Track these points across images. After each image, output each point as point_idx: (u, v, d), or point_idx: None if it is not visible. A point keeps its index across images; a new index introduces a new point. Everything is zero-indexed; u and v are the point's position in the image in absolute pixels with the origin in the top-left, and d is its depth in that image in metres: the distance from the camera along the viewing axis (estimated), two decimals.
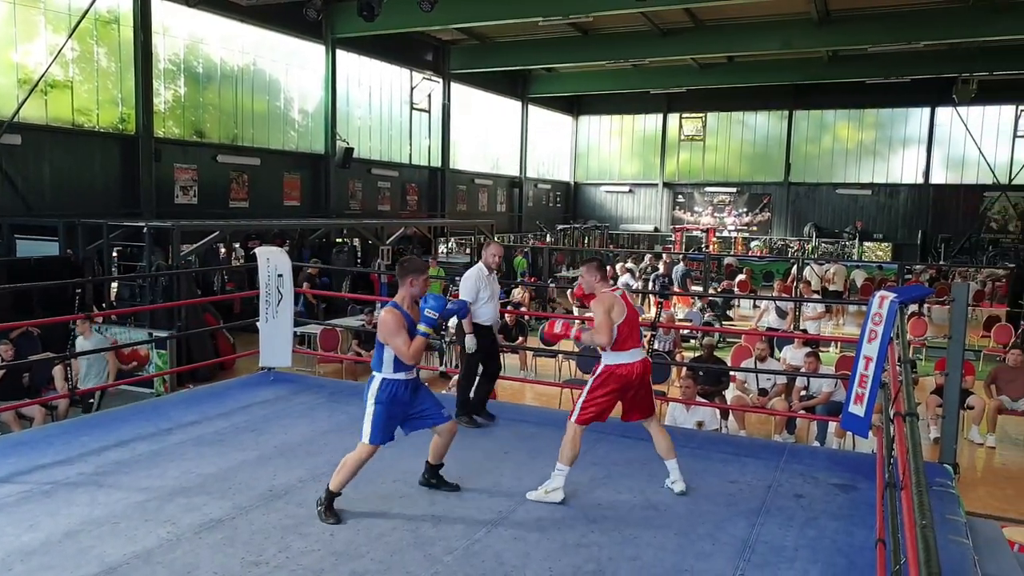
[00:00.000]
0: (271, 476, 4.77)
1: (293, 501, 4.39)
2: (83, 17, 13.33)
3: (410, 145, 23.44)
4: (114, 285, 12.94)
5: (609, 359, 4.56)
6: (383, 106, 22.28)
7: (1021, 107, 26.21)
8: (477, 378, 6.00)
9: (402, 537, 3.98)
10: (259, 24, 17.58)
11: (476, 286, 5.87)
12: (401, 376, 4.24)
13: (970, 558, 3.77)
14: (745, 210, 30.45)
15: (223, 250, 17.23)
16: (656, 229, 31.45)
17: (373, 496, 4.49)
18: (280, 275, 7.11)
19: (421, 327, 4.16)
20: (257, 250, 7.47)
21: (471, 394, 5.98)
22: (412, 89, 23.13)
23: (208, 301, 12.55)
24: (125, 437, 5.42)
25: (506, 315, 11.66)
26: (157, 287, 11.76)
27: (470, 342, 5.84)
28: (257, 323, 7.26)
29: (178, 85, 16.41)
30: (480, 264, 5.95)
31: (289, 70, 18.87)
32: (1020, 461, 8.80)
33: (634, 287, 16.70)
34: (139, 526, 4.01)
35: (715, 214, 30.86)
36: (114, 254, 13.43)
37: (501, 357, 6.65)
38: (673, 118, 31.28)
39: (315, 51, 19.28)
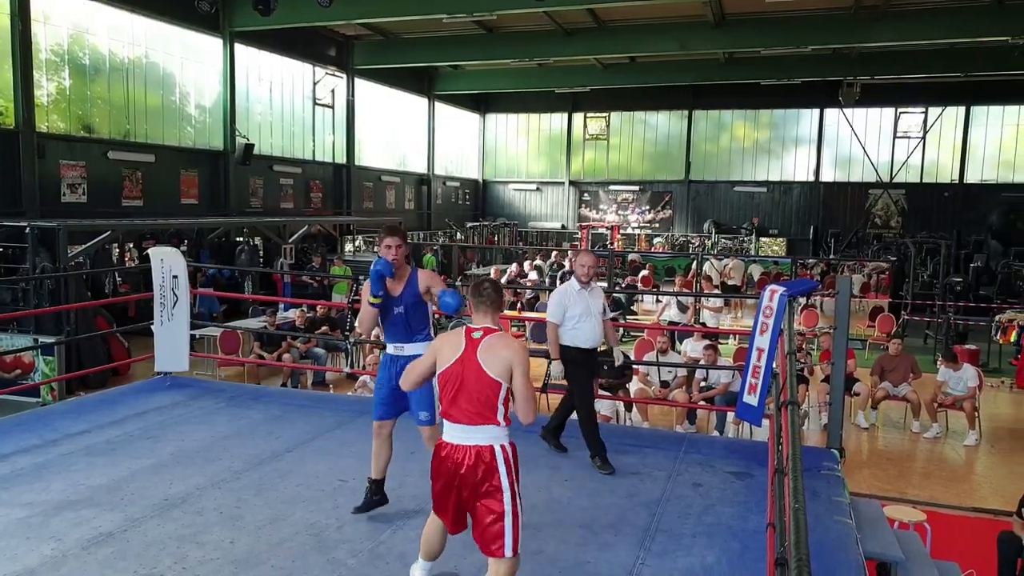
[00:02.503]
0: (167, 484, 4.60)
1: (191, 510, 4.25)
2: None
3: (313, 141, 22.98)
4: None
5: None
6: (284, 102, 21.75)
7: (900, 110, 27.83)
8: (589, 401, 5.26)
9: (305, 542, 3.91)
10: (150, 15, 16.86)
11: (562, 303, 5.18)
12: (389, 350, 4.32)
13: (853, 536, 3.98)
14: (648, 208, 31.20)
15: (117, 251, 16.48)
16: (563, 227, 31.88)
17: (275, 501, 4.40)
18: (175, 276, 6.86)
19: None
20: (150, 251, 7.19)
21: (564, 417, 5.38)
22: (315, 84, 22.68)
23: (99, 304, 11.98)
24: (5, 450, 5.12)
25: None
26: (43, 290, 11.15)
27: (555, 369, 5.21)
28: (152, 326, 6.99)
29: (62, 77, 15.58)
30: (573, 279, 5.24)
31: (184, 63, 18.18)
32: (900, 443, 9.35)
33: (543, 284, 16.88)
34: (20, 544, 3.80)
35: (619, 212, 31.50)
36: None
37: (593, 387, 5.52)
38: (578, 117, 31.76)
39: (212, 44, 18.65)
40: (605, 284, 14.78)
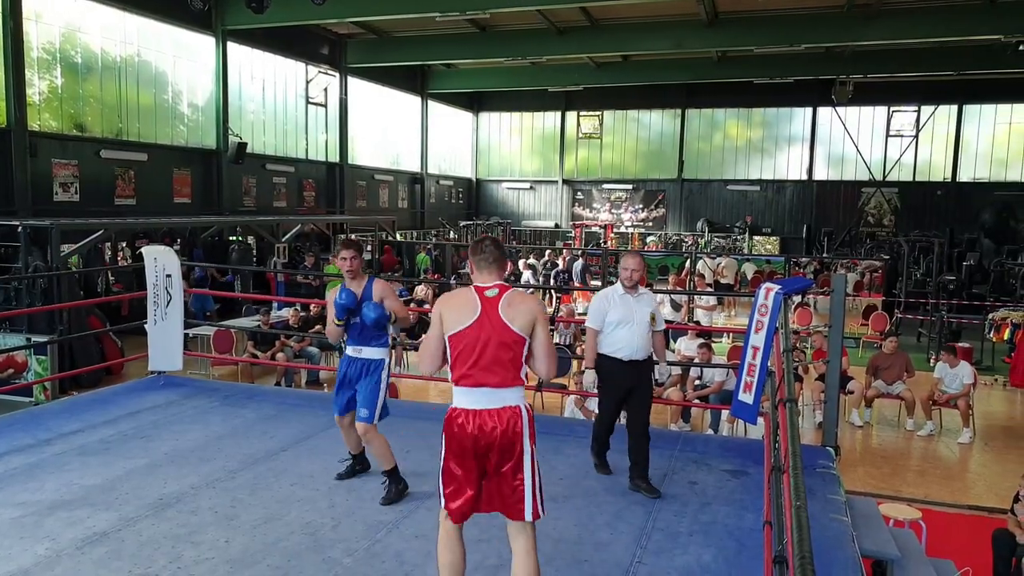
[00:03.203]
0: (161, 484, 4.58)
1: (185, 509, 4.23)
2: None
3: (306, 140, 22.91)
4: None
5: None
6: (277, 100, 21.68)
7: (893, 108, 27.91)
8: (605, 422, 4.89)
9: (300, 541, 3.89)
10: (142, 13, 16.78)
11: (602, 307, 4.77)
12: (348, 351, 4.59)
13: (849, 534, 3.99)
14: (641, 206, 31.22)
15: (109, 250, 16.40)
16: (556, 225, 31.88)
17: (270, 500, 4.38)
18: (169, 275, 6.84)
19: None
20: (144, 249, 7.16)
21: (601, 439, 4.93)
22: (308, 83, 22.60)
23: (92, 303, 11.92)
24: None
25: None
26: (35, 289, 11.09)
27: (587, 378, 4.99)
28: (145, 325, 6.96)
29: (54, 76, 15.49)
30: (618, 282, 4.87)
31: (177, 62, 18.10)
32: (895, 441, 9.38)
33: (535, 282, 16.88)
34: (14, 544, 3.77)
35: (612, 210, 31.51)
36: None
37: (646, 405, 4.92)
38: (571, 116, 31.74)
39: (204, 43, 18.56)
40: (669, 297, 14.70)
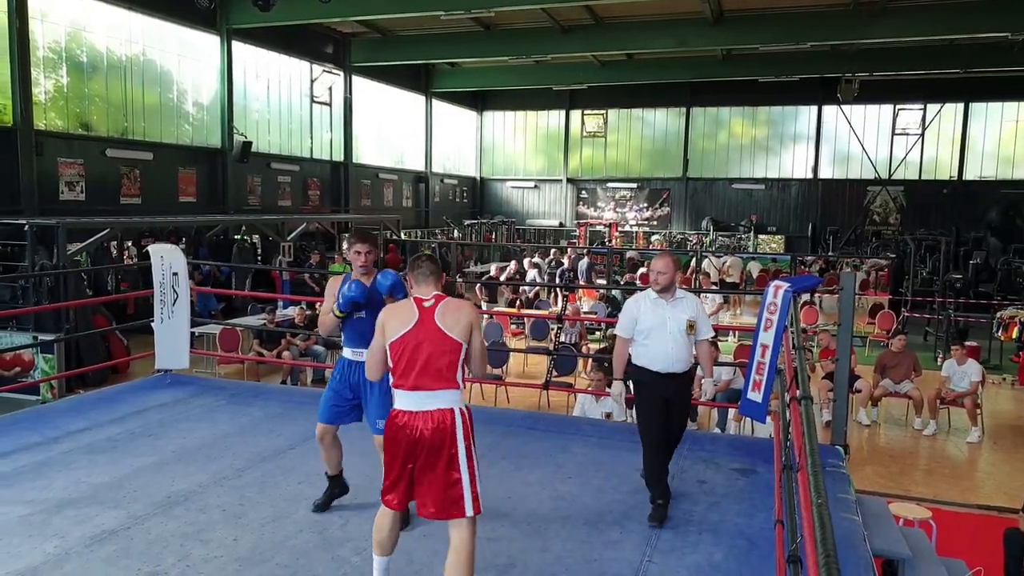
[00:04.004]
0: (169, 482, 4.57)
1: (194, 507, 4.22)
2: None
3: (311, 139, 22.91)
4: None
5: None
6: (282, 99, 21.68)
7: (898, 106, 27.80)
8: (650, 441, 4.33)
9: (308, 540, 3.88)
10: (147, 12, 16.78)
11: (632, 313, 4.37)
12: (346, 354, 4.19)
13: (860, 534, 3.96)
14: (646, 205, 31.16)
15: (115, 248, 16.42)
16: (561, 224, 31.84)
17: (278, 498, 4.37)
18: (175, 273, 6.83)
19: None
20: (150, 248, 7.15)
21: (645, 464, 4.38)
22: (312, 82, 22.60)
23: (99, 302, 11.93)
24: (5, 448, 5.09)
25: None
26: (42, 288, 11.10)
27: (614, 390, 4.51)
28: (152, 324, 6.96)
29: (60, 75, 15.50)
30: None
31: (182, 61, 18.11)
32: (902, 440, 9.34)
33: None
34: (23, 542, 3.77)
35: (617, 209, 31.46)
36: None
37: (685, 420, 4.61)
38: (575, 115, 31.69)
39: (209, 42, 18.57)
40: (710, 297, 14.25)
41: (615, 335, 4.58)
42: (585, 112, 31.52)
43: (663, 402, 4.28)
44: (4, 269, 12.41)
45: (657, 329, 4.27)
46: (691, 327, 4.29)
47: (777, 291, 4.62)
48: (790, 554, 2.44)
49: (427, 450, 3.11)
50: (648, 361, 4.28)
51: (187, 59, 18.20)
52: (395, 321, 3.24)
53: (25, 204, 13.91)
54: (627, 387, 4.49)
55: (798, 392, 3.06)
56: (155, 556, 3.66)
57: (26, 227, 11.60)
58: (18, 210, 13.61)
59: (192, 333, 7.86)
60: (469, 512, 3.12)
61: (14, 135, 13.98)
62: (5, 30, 13.84)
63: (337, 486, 4.31)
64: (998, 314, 13.77)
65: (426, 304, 3.23)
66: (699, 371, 8.75)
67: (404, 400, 3.17)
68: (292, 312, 12.33)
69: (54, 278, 11.03)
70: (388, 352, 3.24)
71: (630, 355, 4.42)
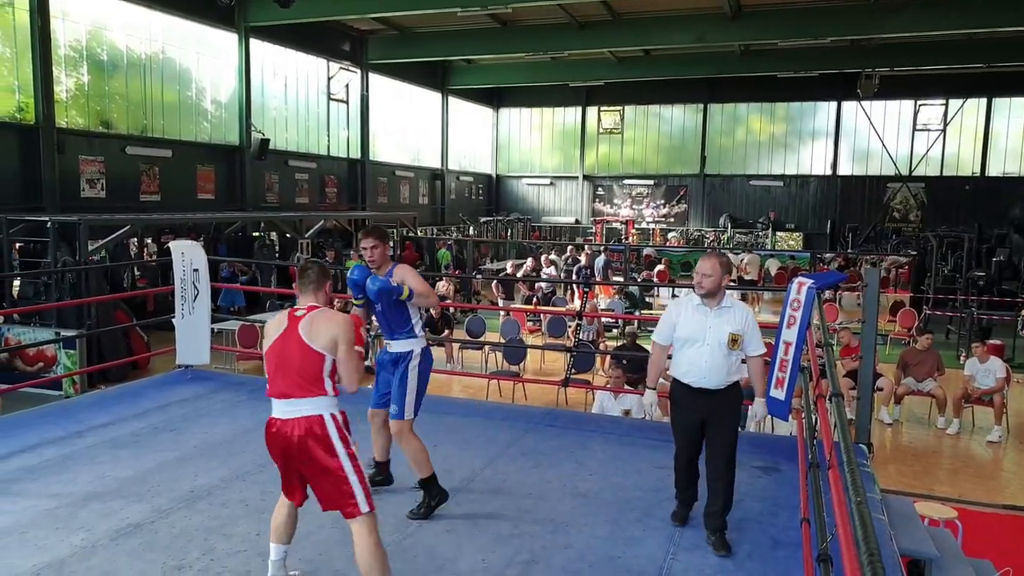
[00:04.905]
0: (192, 477, 4.60)
1: (216, 502, 4.24)
2: None
3: (328, 136, 22.99)
4: (16, 282, 12.28)
5: None
6: (299, 97, 21.76)
7: (919, 102, 27.51)
8: (679, 459, 4.13)
9: (330, 535, 3.88)
10: (167, 10, 16.90)
11: (670, 319, 4.04)
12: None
13: (887, 533, 3.92)
14: (663, 202, 31.04)
15: (135, 245, 16.56)
16: (577, 221, 31.78)
17: None
18: (196, 270, 6.86)
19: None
20: (171, 244, 7.18)
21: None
22: (329, 79, 22.66)
23: (120, 298, 12.03)
24: (32, 442, 5.14)
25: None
26: (64, 284, 11.20)
27: (646, 399, 4.30)
28: (173, 320, 7.00)
29: (81, 73, 15.64)
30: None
31: (200, 59, 18.22)
32: (925, 439, 9.24)
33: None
34: (50, 535, 3.80)
35: (634, 206, 31.35)
36: (15, 250, 12.73)
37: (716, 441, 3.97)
38: (592, 111, 31.61)
39: (228, 39, 18.67)
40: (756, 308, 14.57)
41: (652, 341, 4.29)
42: (601, 108, 31.42)
43: (699, 423, 3.93)
44: (27, 266, 12.55)
45: (692, 339, 3.91)
46: (734, 341, 3.88)
47: (800, 288, 4.57)
48: (820, 553, 2.41)
49: (305, 455, 3.16)
50: (681, 372, 3.96)
51: (206, 57, 18.30)
52: (271, 330, 3.33)
53: (47, 201, 14.05)
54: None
55: (827, 389, 3.02)
56: (180, 550, 3.68)
57: (48, 224, 11.70)
58: (40, 207, 13.75)
59: (211, 329, 7.90)
60: (364, 509, 3.18)
61: (36, 133, 14.12)
62: (27, 29, 13.97)
63: (381, 473, 4.47)
64: (1022, 312, 13.59)
65: (297, 314, 3.29)
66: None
67: (275, 407, 3.23)
68: None
69: (76, 274, 11.12)
70: (264, 359, 3.34)
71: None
